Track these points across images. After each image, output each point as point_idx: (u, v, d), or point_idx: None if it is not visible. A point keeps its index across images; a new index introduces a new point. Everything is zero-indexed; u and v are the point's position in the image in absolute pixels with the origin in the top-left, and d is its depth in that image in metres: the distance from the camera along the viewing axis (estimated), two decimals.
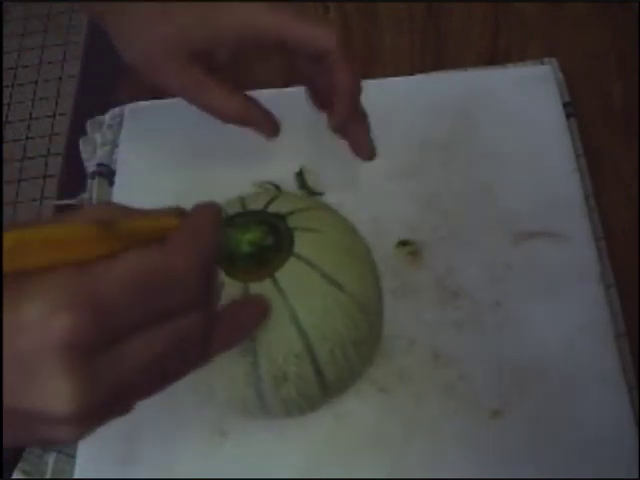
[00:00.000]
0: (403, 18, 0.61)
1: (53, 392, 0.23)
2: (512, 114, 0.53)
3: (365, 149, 0.44)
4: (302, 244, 0.36)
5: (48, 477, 0.45)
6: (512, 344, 0.45)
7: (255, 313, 0.33)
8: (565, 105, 0.53)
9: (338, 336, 0.36)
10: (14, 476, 0.45)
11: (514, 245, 0.48)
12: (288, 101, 0.56)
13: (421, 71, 0.57)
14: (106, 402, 0.24)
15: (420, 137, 0.53)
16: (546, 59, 0.56)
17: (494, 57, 0.58)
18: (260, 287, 0.35)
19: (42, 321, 0.23)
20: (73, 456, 0.45)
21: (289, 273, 0.36)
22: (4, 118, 1.70)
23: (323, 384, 0.37)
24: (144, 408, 0.45)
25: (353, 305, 0.37)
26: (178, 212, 0.30)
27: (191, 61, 0.40)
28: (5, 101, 1.71)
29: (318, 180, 0.51)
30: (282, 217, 0.37)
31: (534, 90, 0.54)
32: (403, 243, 0.49)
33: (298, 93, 0.57)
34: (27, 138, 1.67)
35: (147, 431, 0.45)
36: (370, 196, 0.51)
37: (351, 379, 0.41)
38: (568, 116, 0.53)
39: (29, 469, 0.45)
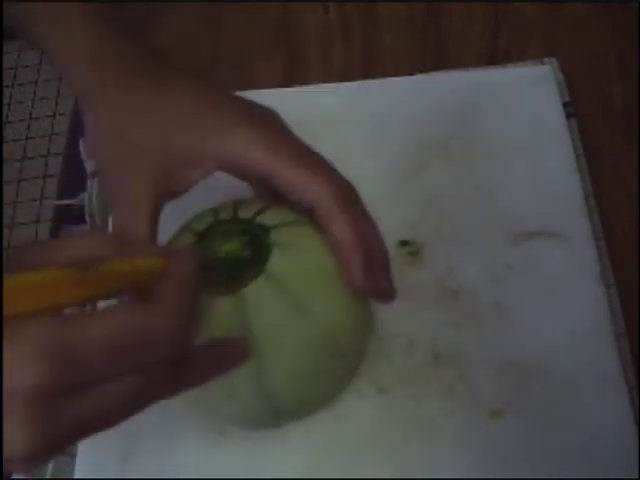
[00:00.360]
0: (403, 18, 0.61)
1: (11, 435, 0.24)
2: (512, 114, 0.53)
3: (389, 291, 0.39)
4: (278, 262, 0.34)
5: (48, 477, 0.45)
6: (512, 344, 0.45)
7: (235, 356, 0.32)
8: (565, 105, 0.53)
9: (294, 362, 0.35)
10: (14, 476, 0.45)
11: (514, 245, 0.48)
12: (288, 101, 0.56)
13: (421, 71, 0.57)
14: (62, 441, 0.25)
15: (420, 137, 0.53)
16: (546, 59, 0.56)
17: (494, 57, 0.58)
18: (224, 301, 0.34)
19: (12, 367, 0.23)
20: (73, 456, 0.45)
21: (256, 291, 0.34)
22: (4, 118, 1.70)
23: (272, 408, 0.36)
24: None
25: (316, 334, 0.35)
26: (162, 252, 0.29)
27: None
28: (5, 101, 1.72)
29: None
30: (266, 230, 0.36)
31: (534, 90, 0.54)
32: (403, 243, 0.49)
33: (298, 93, 0.57)
34: (27, 138, 1.68)
35: (147, 431, 0.45)
36: (370, 196, 0.51)
37: (310, 407, 0.39)
38: (568, 116, 0.53)
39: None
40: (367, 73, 0.58)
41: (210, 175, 0.37)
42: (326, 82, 0.58)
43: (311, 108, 0.55)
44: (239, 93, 0.56)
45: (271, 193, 0.37)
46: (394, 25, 0.61)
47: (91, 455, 0.45)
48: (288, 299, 0.34)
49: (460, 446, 0.42)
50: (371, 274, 0.36)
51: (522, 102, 0.53)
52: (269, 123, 0.36)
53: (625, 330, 0.45)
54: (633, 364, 0.44)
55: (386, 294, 0.38)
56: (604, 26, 0.58)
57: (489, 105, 0.54)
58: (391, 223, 0.50)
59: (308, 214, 0.36)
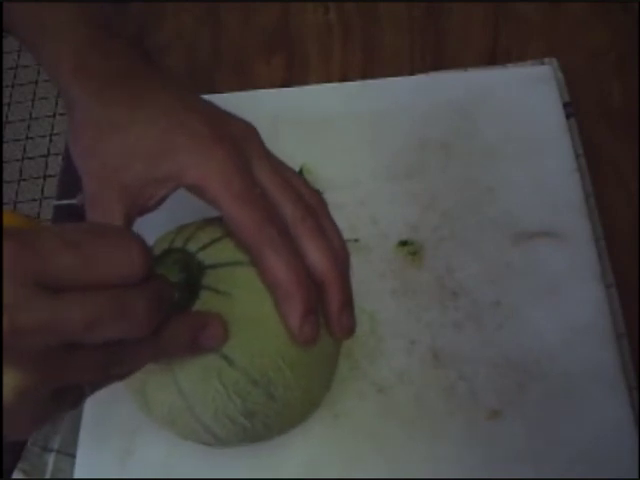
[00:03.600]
0: (403, 18, 0.61)
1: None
2: (512, 114, 0.53)
3: (345, 329, 0.36)
4: (204, 308, 0.34)
5: (48, 477, 0.45)
6: (512, 344, 0.45)
7: (212, 334, 0.32)
8: (565, 105, 0.53)
9: (221, 406, 0.34)
10: (14, 476, 0.45)
11: (514, 245, 0.48)
12: (288, 101, 0.56)
13: (421, 71, 0.57)
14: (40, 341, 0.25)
15: (420, 137, 0.53)
16: (546, 59, 0.56)
17: (494, 57, 0.58)
18: None
19: None
20: (73, 456, 0.45)
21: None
22: (4, 118, 1.70)
23: (217, 438, 0.36)
24: None
25: (243, 379, 0.34)
26: None
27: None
28: (5, 101, 1.72)
29: (318, 180, 0.51)
30: (203, 270, 0.35)
31: (534, 90, 0.54)
32: (403, 243, 0.49)
33: (298, 93, 0.57)
34: (27, 138, 1.68)
35: (147, 430, 0.45)
36: (370, 196, 0.51)
37: (258, 440, 0.38)
38: (568, 116, 0.53)
39: (29, 469, 0.45)
40: (367, 73, 0.58)
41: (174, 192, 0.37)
42: (326, 82, 0.58)
43: (311, 108, 0.55)
44: (239, 93, 0.57)
45: None
46: (394, 25, 0.61)
47: (91, 455, 0.45)
48: None
49: (460, 446, 0.42)
50: (312, 319, 0.34)
51: (522, 102, 0.53)
52: (233, 150, 0.35)
53: (625, 330, 0.45)
54: (633, 364, 0.44)
55: (342, 333, 0.36)
56: (604, 26, 0.58)
57: (489, 105, 0.54)
58: (391, 223, 0.50)
59: None
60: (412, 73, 0.57)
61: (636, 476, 0.40)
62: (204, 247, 0.35)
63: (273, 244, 0.33)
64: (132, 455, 0.44)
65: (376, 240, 0.49)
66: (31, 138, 1.67)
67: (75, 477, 0.44)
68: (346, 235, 0.38)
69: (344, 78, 0.58)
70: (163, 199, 0.37)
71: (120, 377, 0.30)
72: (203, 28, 0.63)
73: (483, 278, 0.47)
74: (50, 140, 1.66)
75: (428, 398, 0.44)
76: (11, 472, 0.45)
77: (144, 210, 0.37)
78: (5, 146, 1.65)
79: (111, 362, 0.28)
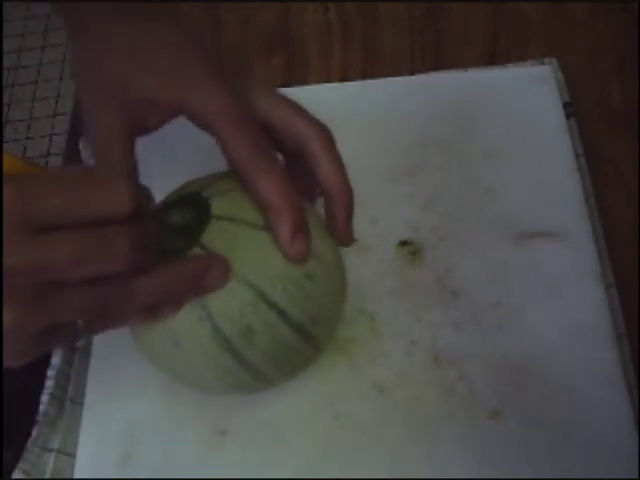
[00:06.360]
0: (403, 18, 0.61)
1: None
2: (512, 114, 0.53)
3: (347, 234, 0.40)
4: (219, 206, 0.37)
5: (48, 477, 0.45)
6: (512, 344, 0.45)
7: (214, 275, 0.34)
8: (565, 105, 0.53)
9: (284, 272, 0.36)
10: (14, 476, 0.44)
11: (514, 245, 0.48)
12: None
13: (421, 71, 0.57)
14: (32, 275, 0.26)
15: (420, 137, 0.53)
16: (546, 59, 0.56)
17: (494, 57, 0.58)
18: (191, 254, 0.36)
19: None
20: (73, 456, 0.45)
21: (213, 233, 0.36)
22: (4, 118, 1.70)
23: (292, 324, 0.37)
24: (144, 407, 0.46)
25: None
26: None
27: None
28: (5, 101, 1.72)
29: None
30: (197, 192, 0.38)
31: (534, 90, 0.54)
32: (403, 243, 0.49)
33: (298, 93, 0.57)
34: (27, 138, 1.68)
35: (147, 431, 0.45)
36: (370, 196, 0.51)
37: (323, 314, 0.39)
38: (568, 116, 0.53)
39: (29, 469, 0.45)
40: (367, 73, 0.59)
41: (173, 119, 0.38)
42: (326, 82, 0.58)
43: (311, 108, 0.55)
44: None
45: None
46: (394, 25, 0.61)
47: (91, 455, 0.45)
48: (245, 225, 0.36)
49: (460, 446, 0.42)
50: (301, 237, 0.36)
51: (522, 102, 0.53)
52: (231, 83, 0.38)
53: (625, 330, 0.45)
54: (633, 364, 0.44)
55: (348, 238, 0.40)
56: (604, 26, 0.58)
57: (489, 105, 0.54)
58: (391, 223, 0.50)
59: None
60: (412, 73, 0.57)
61: (636, 476, 0.40)
62: (203, 187, 0.38)
63: (264, 167, 0.35)
64: (132, 455, 0.44)
65: (376, 240, 0.49)
66: (31, 138, 1.67)
67: (75, 477, 0.44)
68: None
69: (344, 78, 0.58)
70: (162, 123, 0.39)
71: (122, 321, 0.32)
72: (203, 28, 0.63)
73: (483, 278, 0.47)
74: (50, 140, 1.66)
75: (428, 398, 0.44)
76: (11, 472, 0.45)
77: (143, 130, 0.38)
78: (5, 146, 1.65)
79: (105, 302, 0.29)
